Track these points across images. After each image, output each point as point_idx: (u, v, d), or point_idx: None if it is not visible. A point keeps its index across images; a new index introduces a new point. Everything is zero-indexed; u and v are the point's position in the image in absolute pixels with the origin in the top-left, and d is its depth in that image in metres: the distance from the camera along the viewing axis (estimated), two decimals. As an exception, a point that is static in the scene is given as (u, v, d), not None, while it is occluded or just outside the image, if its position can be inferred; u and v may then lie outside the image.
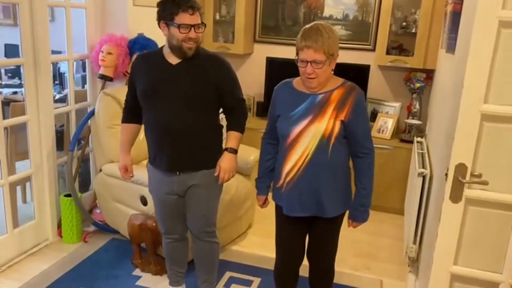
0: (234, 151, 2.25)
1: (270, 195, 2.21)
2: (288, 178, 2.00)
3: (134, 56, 3.15)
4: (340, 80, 2.00)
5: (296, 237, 2.15)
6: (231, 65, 2.27)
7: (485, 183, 1.81)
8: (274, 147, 2.11)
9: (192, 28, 2.05)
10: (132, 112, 2.32)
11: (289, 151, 1.97)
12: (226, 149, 2.26)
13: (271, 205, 2.20)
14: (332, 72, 1.97)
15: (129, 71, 3.17)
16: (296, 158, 1.96)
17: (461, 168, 1.83)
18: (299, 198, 2.01)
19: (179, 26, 2.03)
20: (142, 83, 2.19)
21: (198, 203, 2.30)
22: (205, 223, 2.35)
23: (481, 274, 1.93)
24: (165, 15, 2.06)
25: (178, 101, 2.14)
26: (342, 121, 1.92)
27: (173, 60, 2.15)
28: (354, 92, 1.95)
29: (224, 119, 2.37)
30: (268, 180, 2.17)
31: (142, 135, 3.10)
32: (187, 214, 2.35)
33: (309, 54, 1.85)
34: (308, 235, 2.18)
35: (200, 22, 2.08)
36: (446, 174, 1.87)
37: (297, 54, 1.92)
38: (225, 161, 2.23)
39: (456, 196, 1.87)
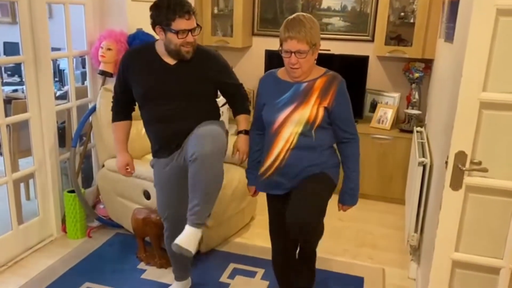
0: (247, 133, 2.30)
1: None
2: (275, 165, 2.06)
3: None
4: (322, 70, 2.06)
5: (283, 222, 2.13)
6: (221, 55, 2.32)
7: (484, 170, 1.83)
8: (262, 137, 2.17)
9: (189, 32, 2.08)
10: (122, 109, 2.34)
11: (275, 138, 2.04)
12: (240, 132, 2.31)
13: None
14: (315, 62, 2.03)
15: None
16: (281, 145, 2.02)
17: (461, 156, 1.85)
18: (282, 179, 2.06)
19: (177, 32, 2.05)
20: (141, 84, 2.19)
21: (200, 128, 2.16)
22: (210, 142, 2.06)
23: (482, 260, 1.96)
24: (161, 20, 2.06)
25: (179, 100, 2.18)
26: (325, 108, 1.99)
27: (170, 60, 2.18)
28: (336, 80, 2.02)
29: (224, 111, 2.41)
30: (256, 171, 2.21)
31: (143, 129, 3.14)
32: (190, 140, 2.15)
33: (292, 45, 1.90)
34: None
35: (196, 25, 2.10)
36: (446, 162, 1.89)
37: (281, 45, 1.97)
38: (242, 143, 2.28)
39: (456, 184, 1.89)
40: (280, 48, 1.97)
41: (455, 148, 1.85)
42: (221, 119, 2.39)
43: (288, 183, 2.09)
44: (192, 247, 2.03)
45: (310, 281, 2.33)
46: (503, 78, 1.77)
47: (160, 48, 2.17)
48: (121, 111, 2.35)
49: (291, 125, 2.00)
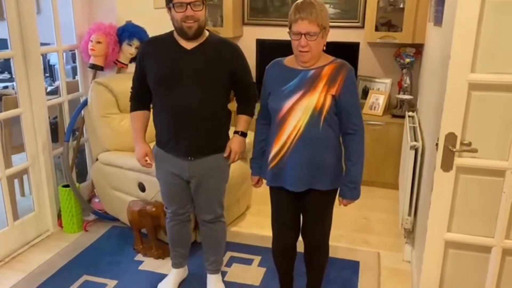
0: (244, 134, 2.31)
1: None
2: (282, 153, 2.03)
3: (129, 41, 3.15)
4: (330, 58, 2.03)
5: (290, 212, 2.16)
6: (241, 49, 2.28)
7: (474, 151, 1.86)
8: (267, 127, 2.14)
9: (189, 6, 2.04)
10: (141, 100, 2.32)
11: (281, 126, 2.00)
12: (236, 132, 2.31)
13: (267, 186, 2.24)
14: (324, 49, 2.00)
15: (119, 59, 3.21)
16: (288, 132, 1.98)
17: (451, 137, 1.87)
18: (289, 171, 2.03)
19: (174, 6, 2.05)
20: (156, 68, 2.18)
21: (210, 189, 2.33)
22: (215, 204, 2.38)
23: (474, 239, 1.99)
24: None
25: (194, 86, 2.15)
26: (333, 96, 1.94)
27: (187, 45, 2.15)
28: (345, 68, 1.98)
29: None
30: (261, 161, 2.20)
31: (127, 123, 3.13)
32: (197, 200, 2.37)
33: (303, 26, 1.87)
34: (302, 212, 2.20)
35: None
36: (437, 144, 1.91)
37: (289, 28, 1.93)
38: (236, 143, 2.29)
39: (447, 165, 1.91)
40: (289, 31, 1.94)
41: (445, 130, 1.88)
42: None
43: (297, 181, 2.04)
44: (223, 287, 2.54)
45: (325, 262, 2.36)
46: (490, 59, 1.79)
47: (176, 34, 2.17)
48: (139, 102, 2.33)
49: (299, 112, 1.95)
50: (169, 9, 2.09)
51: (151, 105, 2.33)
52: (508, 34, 1.75)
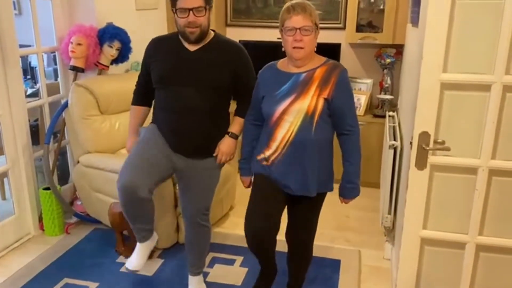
0: (235, 137, 2.30)
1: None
2: (274, 157, 2.03)
3: (110, 42, 3.14)
4: (323, 59, 2.04)
5: (274, 200, 2.09)
6: (245, 51, 2.27)
7: (447, 149, 1.90)
8: (258, 128, 2.14)
9: (191, 12, 2.04)
10: (143, 96, 2.36)
11: (274, 130, 2.01)
12: (227, 133, 2.30)
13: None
14: (315, 49, 2.01)
15: (100, 61, 3.21)
16: (281, 137, 1.99)
17: (424, 136, 1.91)
18: (284, 175, 2.04)
19: (176, 11, 2.06)
20: (159, 67, 2.20)
21: (199, 190, 2.31)
22: (202, 207, 2.35)
23: (449, 236, 2.04)
24: (172, 1, 2.08)
25: (194, 88, 2.15)
26: (325, 99, 1.95)
27: (191, 47, 2.17)
28: (337, 69, 1.99)
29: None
30: (250, 161, 2.20)
31: (117, 123, 3.13)
32: (185, 199, 2.34)
33: (298, 21, 1.89)
34: (288, 213, 2.21)
35: (201, 5, 2.04)
36: (411, 143, 1.95)
37: (282, 28, 1.95)
38: (225, 145, 2.27)
39: (421, 163, 1.95)
40: (282, 30, 1.95)
41: (418, 129, 1.92)
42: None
43: (290, 183, 2.03)
44: None
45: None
46: (462, 58, 1.83)
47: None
48: (141, 97, 2.37)
49: (291, 116, 1.96)
50: (174, 13, 2.11)
51: (153, 102, 2.35)
52: (478, 35, 1.79)
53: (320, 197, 2.14)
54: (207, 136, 2.24)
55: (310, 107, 1.94)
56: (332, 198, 2.21)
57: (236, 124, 2.30)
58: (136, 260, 2.40)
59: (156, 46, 2.26)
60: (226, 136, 2.29)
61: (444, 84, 1.86)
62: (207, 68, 2.16)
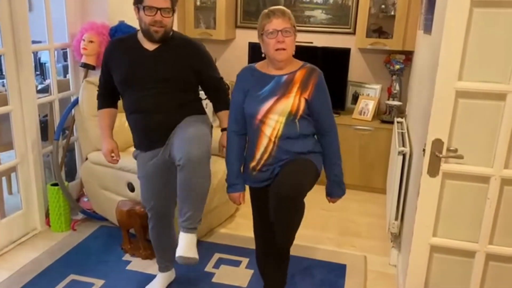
0: None
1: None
2: (266, 155, 2.05)
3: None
4: (300, 62, 2.09)
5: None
6: (204, 46, 2.32)
7: (460, 157, 1.90)
8: (242, 139, 2.13)
9: (159, 11, 2.08)
10: (106, 98, 2.36)
11: (260, 129, 2.04)
12: (224, 129, 2.31)
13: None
14: (293, 52, 2.04)
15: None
16: (268, 134, 2.02)
17: (437, 144, 1.91)
18: (273, 170, 2.05)
19: (144, 8, 2.08)
20: (119, 70, 2.21)
21: (185, 127, 2.18)
22: (195, 146, 2.05)
23: (459, 244, 2.03)
24: None
25: (157, 87, 2.17)
26: (306, 100, 2.01)
27: (149, 46, 2.19)
28: (315, 73, 2.05)
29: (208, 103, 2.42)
30: (241, 176, 2.17)
31: (127, 122, 3.13)
32: (174, 142, 2.16)
33: (278, 23, 1.94)
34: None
35: (168, 6, 2.09)
36: (424, 150, 1.95)
37: (262, 32, 1.99)
38: (225, 140, 2.25)
39: (433, 171, 1.95)
40: (261, 35, 1.98)
41: (432, 136, 1.91)
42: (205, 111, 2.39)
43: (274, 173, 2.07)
44: (195, 253, 2.08)
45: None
46: (478, 67, 1.83)
47: (141, 35, 2.19)
48: (105, 99, 2.37)
49: (275, 115, 2.00)
50: (137, 9, 2.12)
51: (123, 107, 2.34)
52: (494, 44, 1.79)
53: (306, 161, 2.02)
54: (178, 119, 2.22)
55: (293, 106, 2.00)
56: (336, 204, 2.21)
57: (225, 118, 2.23)
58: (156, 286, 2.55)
59: (116, 48, 2.26)
60: (224, 132, 2.29)
61: (459, 92, 1.86)
62: (166, 65, 2.18)
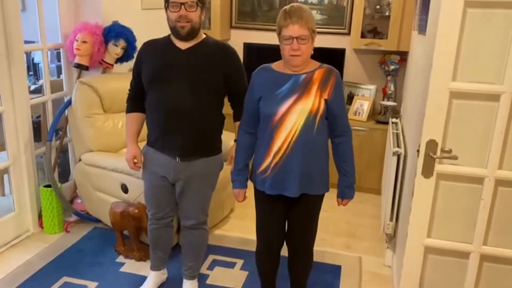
0: None
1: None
2: (277, 158, 2.01)
3: (115, 41, 3.13)
4: (317, 63, 2.05)
5: (276, 220, 2.17)
6: (237, 53, 2.31)
7: (454, 158, 1.89)
8: (252, 136, 2.11)
9: (183, 6, 2.07)
10: (137, 101, 2.32)
11: (277, 130, 1.99)
12: (235, 140, 2.29)
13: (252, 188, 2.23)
14: (312, 53, 2.01)
15: (105, 59, 3.20)
16: (284, 136, 1.98)
17: (431, 144, 1.90)
18: (287, 177, 2.02)
19: (169, 5, 2.09)
20: (150, 67, 2.20)
21: (195, 194, 2.31)
22: (200, 213, 2.37)
23: (453, 245, 2.03)
24: None
25: (185, 86, 2.15)
26: (325, 100, 1.97)
27: (182, 45, 2.18)
28: (334, 73, 2.02)
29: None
30: (246, 173, 2.18)
31: (120, 122, 3.12)
32: (181, 203, 2.35)
33: (295, 30, 1.89)
34: (287, 219, 2.19)
35: (192, 0, 2.07)
36: (418, 151, 1.94)
37: (279, 34, 1.95)
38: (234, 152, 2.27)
39: (427, 172, 1.94)
40: (278, 34, 1.95)
41: (426, 137, 1.91)
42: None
43: (296, 186, 2.03)
44: None
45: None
46: (472, 68, 1.83)
47: (173, 36, 2.19)
48: (135, 103, 2.34)
49: (294, 116, 1.96)
50: (166, 9, 2.13)
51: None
52: (488, 44, 1.79)
53: (319, 199, 2.15)
54: (199, 135, 2.22)
55: (313, 106, 1.96)
56: (331, 204, 2.21)
57: None
58: (146, 286, 2.56)
59: (148, 49, 2.25)
60: (234, 143, 2.29)
61: (453, 93, 1.85)
62: (199, 66, 2.17)
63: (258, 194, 2.16)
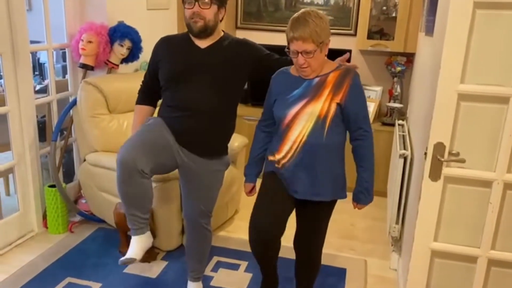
0: None
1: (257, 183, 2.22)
2: (285, 161, 2.01)
3: (121, 41, 3.13)
4: (334, 64, 2.02)
5: (282, 201, 2.05)
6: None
7: (462, 161, 1.87)
8: (268, 136, 2.14)
9: (196, 3, 2.07)
10: (148, 95, 2.34)
11: (286, 133, 1.99)
12: None
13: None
14: (326, 56, 1.98)
15: (110, 59, 3.19)
16: (292, 140, 1.98)
17: (439, 147, 1.88)
18: (294, 179, 2.02)
19: (184, 3, 2.10)
20: (169, 65, 2.19)
21: (203, 188, 2.28)
22: (205, 209, 2.32)
23: (460, 249, 2.00)
24: None
25: (204, 84, 2.15)
26: (338, 104, 1.94)
27: (201, 43, 2.18)
28: (350, 74, 1.97)
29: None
30: (257, 168, 2.19)
31: (125, 123, 3.11)
32: (188, 196, 2.30)
33: (298, 45, 1.87)
34: (296, 219, 2.18)
35: None
36: (425, 153, 1.92)
37: (288, 44, 1.93)
38: None
39: (435, 175, 1.92)
40: (287, 49, 1.94)
41: (434, 140, 1.89)
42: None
43: (299, 187, 2.01)
44: None
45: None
46: (480, 70, 1.80)
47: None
48: (146, 96, 2.35)
49: (303, 120, 1.95)
50: (183, 6, 2.13)
51: (159, 103, 2.33)
52: (497, 46, 1.77)
53: (331, 205, 2.12)
54: (213, 136, 2.23)
55: (322, 110, 1.93)
56: (338, 206, 2.17)
57: None
58: (132, 250, 2.18)
59: (165, 44, 2.26)
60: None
61: (461, 95, 1.83)
62: (219, 64, 2.16)
63: (266, 174, 2.10)
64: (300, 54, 1.88)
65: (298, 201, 2.08)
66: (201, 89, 2.15)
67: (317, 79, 1.97)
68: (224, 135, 2.29)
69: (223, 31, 2.25)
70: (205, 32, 2.13)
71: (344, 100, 1.94)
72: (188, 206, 2.35)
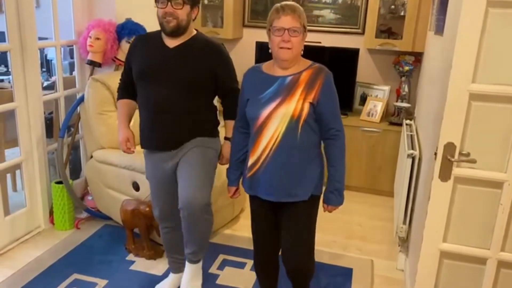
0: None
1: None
2: (260, 162, 1.97)
3: (128, 38, 3.14)
4: (308, 62, 1.99)
5: (266, 222, 2.10)
6: (227, 52, 2.29)
7: (473, 161, 1.85)
8: (246, 136, 2.08)
9: (169, 3, 2.07)
10: (126, 90, 2.36)
11: (259, 135, 1.95)
12: (227, 139, 2.34)
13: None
14: (302, 52, 1.96)
15: (118, 56, 3.19)
16: (266, 141, 1.93)
17: (449, 147, 1.86)
18: (270, 181, 1.97)
19: (157, 2, 2.10)
20: (138, 64, 2.22)
21: (191, 167, 2.24)
22: (198, 193, 2.21)
23: (469, 251, 1.98)
24: None
25: (172, 84, 2.16)
26: (311, 103, 1.90)
27: (170, 43, 2.17)
28: (322, 73, 1.94)
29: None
30: (238, 171, 2.14)
31: (132, 120, 3.11)
32: (182, 182, 2.25)
33: (287, 21, 1.85)
34: (280, 233, 2.09)
35: None
36: (435, 154, 1.90)
37: (270, 27, 1.90)
38: (226, 150, 2.32)
39: (445, 175, 1.90)
40: (269, 31, 1.90)
41: (444, 139, 1.87)
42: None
43: (273, 190, 1.98)
44: (198, 282, 2.44)
45: None
46: (492, 69, 1.78)
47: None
48: (125, 92, 2.37)
49: (276, 121, 1.90)
50: (155, 2, 2.13)
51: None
52: (509, 45, 1.74)
53: (312, 204, 2.04)
54: (189, 128, 2.24)
55: (295, 111, 1.89)
56: (343, 206, 2.11)
57: (228, 128, 2.32)
58: (165, 283, 2.53)
59: (139, 43, 2.28)
60: (226, 141, 2.35)
61: (473, 95, 1.81)
62: (184, 64, 2.16)
63: (250, 200, 2.13)
64: (286, 31, 1.85)
65: (277, 208, 2.04)
66: (168, 88, 2.16)
67: (289, 78, 1.93)
68: (201, 124, 2.27)
69: (196, 30, 2.24)
70: (178, 31, 2.14)
71: (317, 99, 1.90)
72: (182, 191, 2.24)
